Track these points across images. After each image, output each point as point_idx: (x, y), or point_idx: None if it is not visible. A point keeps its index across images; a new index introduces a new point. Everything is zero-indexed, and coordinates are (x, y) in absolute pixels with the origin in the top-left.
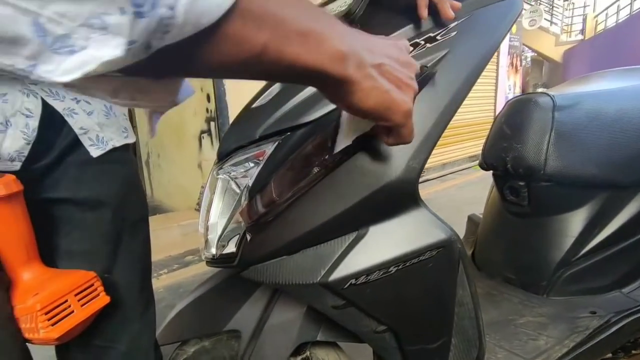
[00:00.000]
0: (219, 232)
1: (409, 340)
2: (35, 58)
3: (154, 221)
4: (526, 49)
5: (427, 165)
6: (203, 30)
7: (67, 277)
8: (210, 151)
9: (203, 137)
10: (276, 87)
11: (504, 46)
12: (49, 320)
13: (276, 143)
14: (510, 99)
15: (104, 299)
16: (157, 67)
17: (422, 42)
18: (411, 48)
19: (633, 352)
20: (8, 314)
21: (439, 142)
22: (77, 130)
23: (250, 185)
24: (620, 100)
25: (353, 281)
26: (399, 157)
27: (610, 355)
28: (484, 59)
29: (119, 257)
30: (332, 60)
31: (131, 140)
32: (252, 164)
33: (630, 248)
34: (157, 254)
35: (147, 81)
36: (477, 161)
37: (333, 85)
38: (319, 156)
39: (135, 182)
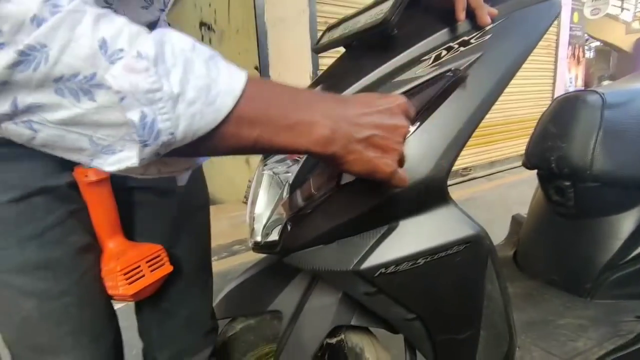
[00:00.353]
0: (264, 222)
1: (437, 329)
2: (92, 156)
3: None
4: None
5: (473, 163)
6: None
7: (140, 248)
8: None
9: None
10: (319, 89)
11: (564, 37)
12: (126, 280)
13: None
14: (558, 97)
15: (168, 267)
16: (172, 154)
17: (456, 46)
18: (406, 101)
19: None
20: (97, 274)
21: (487, 139)
22: None
23: (291, 180)
24: None
25: (383, 270)
26: (429, 156)
27: None
28: (517, 62)
29: (181, 237)
30: (318, 144)
31: None
32: (292, 162)
33: None
34: None
35: (169, 157)
36: None
37: (321, 159)
38: None
39: (200, 175)
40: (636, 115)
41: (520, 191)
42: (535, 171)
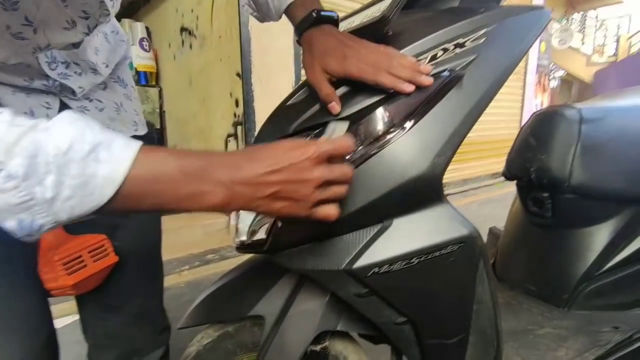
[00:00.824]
0: (250, 220)
1: (428, 333)
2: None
3: (177, 219)
4: (557, 67)
5: (447, 180)
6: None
7: (81, 239)
8: None
9: (229, 141)
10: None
11: (532, 64)
12: (66, 270)
13: (309, 137)
14: (536, 111)
15: (113, 258)
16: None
17: (452, 47)
18: (319, 150)
19: None
20: (34, 267)
21: (460, 158)
22: None
23: None
24: None
25: (376, 270)
26: (425, 153)
27: None
28: (510, 65)
29: (126, 229)
30: (214, 208)
31: (141, 132)
32: None
33: None
34: (179, 252)
35: None
36: (500, 179)
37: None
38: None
39: None
40: (611, 131)
41: (493, 207)
42: (513, 184)
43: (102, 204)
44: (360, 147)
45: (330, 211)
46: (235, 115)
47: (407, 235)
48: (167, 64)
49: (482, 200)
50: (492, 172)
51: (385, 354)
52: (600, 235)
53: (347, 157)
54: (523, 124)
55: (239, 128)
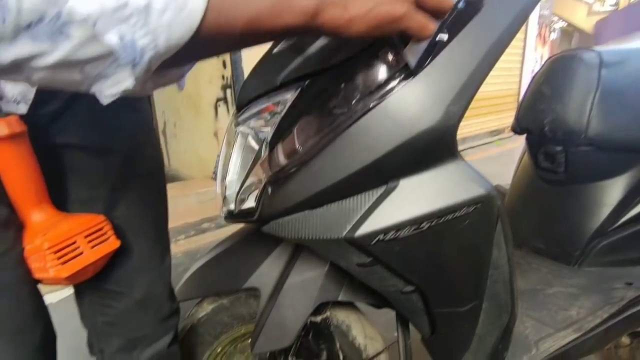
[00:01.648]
0: (238, 187)
1: (438, 302)
2: (89, 85)
3: (171, 189)
4: (556, 19)
5: None
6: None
7: (76, 219)
8: (226, 119)
9: (219, 105)
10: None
11: (534, 15)
12: (58, 259)
13: (299, 89)
14: (551, 56)
15: (114, 243)
16: (164, 66)
17: None
18: None
19: None
20: (18, 255)
21: None
22: None
23: (270, 136)
24: None
25: (381, 237)
26: (438, 100)
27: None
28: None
29: (132, 206)
30: (307, 17)
31: None
32: (271, 114)
33: None
34: (174, 221)
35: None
36: (499, 136)
37: (323, 32)
38: (347, 101)
39: (148, 131)
40: (633, 74)
41: (493, 165)
42: (512, 141)
43: (197, 21)
44: (359, 98)
45: (424, 22)
46: (223, 77)
47: (415, 198)
48: None
49: (481, 158)
50: (490, 130)
51: (390, 322)
52: (616, 188)
53: (343, 113)
54: (523, 79)
55: (229, 91)
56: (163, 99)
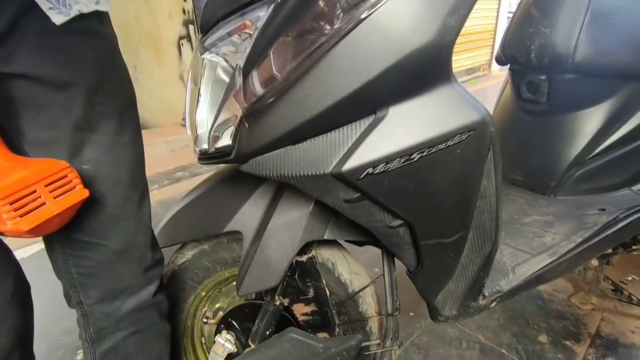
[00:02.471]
0: (211, 122)
1: (425, 234)
2: None
3: None
4: None
5: None
6: None
7: (34, 165)
8: None
9: (182, 44)
10: None
11: None
12: (15, 211)
13: (273, 5)
14: None
15: (81, 192)
16: None
17: None
18: None
19: (633, 247)
20: None
21: None
22: None
23: (243, 62)
24: None
25: (370, 170)
26: (434, 13)
27: (610, 250)
28: None
29: (102, 150)
30: None
31: (104, 7)
32: (244, 36)
33: None
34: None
35: None
36: (474, 74)
37: None
38: (329, 16)
39: (116, 62)
40: None
41: None
42: (486, 80)
43: None
44: (343, 11)
45: None
46: (184, 11)
47: (406, 127)
48: None
49: None
50: (465, 68)
51: (373, 259)
52: (595, 117)
53: (326, 29)
54: (500, 13)
55: (191, 27)
56: (118, 38)
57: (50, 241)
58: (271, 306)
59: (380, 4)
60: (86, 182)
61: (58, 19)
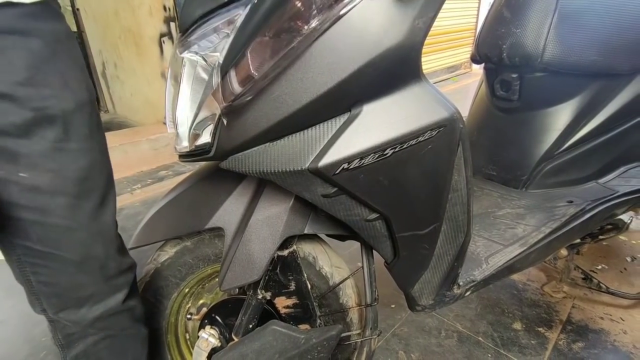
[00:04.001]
0: (190, 120)
1: (401, 226)
2: None
3: (120, 135)
4: None
5: None
6: None
7: None
8: None
9: (164, 42)
10: None
11: None
12: None
13: (250, 5)
14: None
15: None
16: None
17: None
18: None
19: (600, 237)
20: None
21: None
22: None
23: (221, 60)
24: None
25: (345, 166)
26: (403, 15)
27: (578, 240)
28: None
29: (40, 156)
30: None
31: None
32: (222, 35)
33: (613, 140)
34: (127, 170)
35: None
36: (455, 72)
37: None
38: (305, 17)
39: (58, 60)
40: None
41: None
42: (469, 77)
43: None
44: (316, 12)
45: None
46: (165, 8)
47: (379, 123)
48: None
49: None
50: (447, 66)
51: (354, 253)
52: (564, 113)
53: (302, 28)
54: (481, 11)
55: (172, 25)
56: (97, 35)
57: (6, 247)
58: (254, 300)
59: (354, 4)
60: (26, 191)
61: None
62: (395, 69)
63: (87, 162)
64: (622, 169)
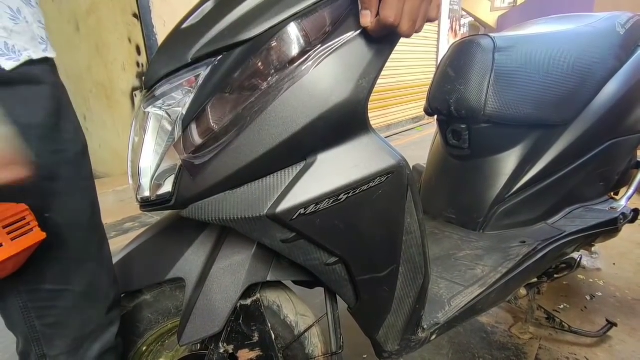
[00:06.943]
0: (152, 172)
1: (360, 270)
2: None
3: None
4: (465, 14)
5: (374, 126)
6: None
7: None
8: None
9: (136, 95)
10: (210, 4)
11: (445, 10)
12: None
13: (211, 66)
14: (455, 41)
15: (38, 234)
16: None
17: None
18: None
19: (555, 276)
20: None
21: (383, 104)
22: None
23: (184, 113)
24: (551, 43)
25: (302, 211)
26: (349, 75)
27: (536, 280)
28: None
29: (57, 195)
30: None
31: (52, 54)
32: (185, 91)
33: (556, 183)
34: None
35: None
36: (420, 122)
37: None
38: (262, 77)
39: (67, 109)
40: (520, 58)
41: (415, 150)
42: (432, 127)
43: None
44: (274, 74)
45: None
46: (138, 64)
47: (333, 171)
48: (45, 6)
49: (405, 143)
50: (412, 117)
51: (321, 296)
52: (510, 160)
53: (261, 86)
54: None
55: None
56: (68, 89)
57: (5, 298)
58: (215, 354)
59: (306, 65)
60: (49, 231)
61: (8, 64)
62: (344, 122)
63: (92, 198)
64: (567, 209)
